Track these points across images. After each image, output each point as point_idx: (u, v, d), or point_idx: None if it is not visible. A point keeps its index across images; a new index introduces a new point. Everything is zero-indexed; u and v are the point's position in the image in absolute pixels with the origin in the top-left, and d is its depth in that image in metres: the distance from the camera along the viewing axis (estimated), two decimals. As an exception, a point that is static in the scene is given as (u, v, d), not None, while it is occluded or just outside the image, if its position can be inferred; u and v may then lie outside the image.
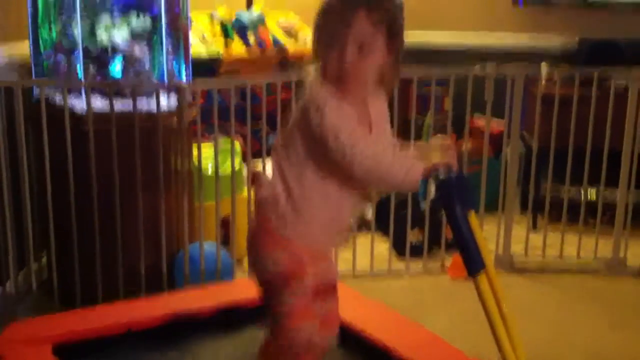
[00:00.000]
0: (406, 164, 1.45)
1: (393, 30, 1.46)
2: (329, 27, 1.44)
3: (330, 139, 1.42)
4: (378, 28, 1.43)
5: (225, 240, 2.94)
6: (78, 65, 2.70)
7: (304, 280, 1.55)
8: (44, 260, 2.86)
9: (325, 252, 1.66)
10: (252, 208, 1.68)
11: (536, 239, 3.25)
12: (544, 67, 3.44)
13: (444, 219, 3.13)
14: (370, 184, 1.55)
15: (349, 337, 2.03)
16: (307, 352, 1.61)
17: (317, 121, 1.43)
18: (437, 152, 1.52)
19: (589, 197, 3.28)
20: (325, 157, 1.47)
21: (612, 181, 3.20)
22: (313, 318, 1.58)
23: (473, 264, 1.46)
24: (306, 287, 1.56)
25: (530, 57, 3.70)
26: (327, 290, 1.66)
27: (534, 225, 3.46)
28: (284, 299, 1.55)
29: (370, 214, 3.25)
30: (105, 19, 2.69)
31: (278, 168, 1.54)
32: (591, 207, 3.28)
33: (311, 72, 1.52)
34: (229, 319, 2.18)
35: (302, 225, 1.53)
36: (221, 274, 2.75)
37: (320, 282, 1.62)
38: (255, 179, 3.07)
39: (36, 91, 2.73)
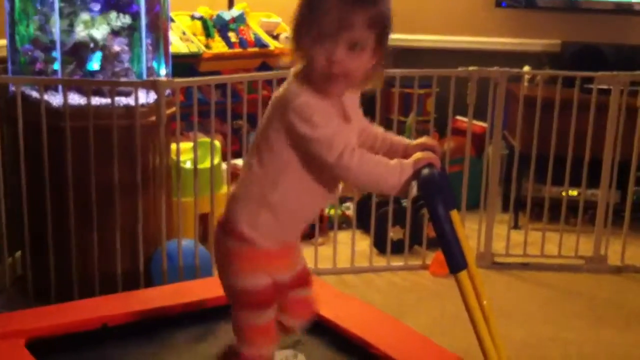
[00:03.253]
0: (397, 167, 1.45)
1: (384, 34, 1.43)
2: (320, 22, 1.38)
3: (323, 152, 1.40)
4: (372, 29, 1.39)
5: (204, 236, 2.92)
6: (56, 62, 2.68)
7: (268, 309, 1.55)
8: (18, 255, 2.83)
9: (295, 244, 1.64)
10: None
11: (518, 237, 3.27)
12: (527, 70, 3.46)
13: (426, 217, 3.13)
14: (363, 189, 1.52)
15: (330, 334, 2.01)
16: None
17: (307, 132, 1.40)
18: (420, 150, 1.52)
19: (569, 195, 3.29)
20: (307, 163, 1.46)
21: (593, 182, 3.21)
22: (269, 335, 1.58)
23: (455, 262, 1.45)
24: (267, 315, 1.56)
25: (514, 59, 3.73)
26: (301, 277, 1.65)
27: (516, 224, 3.47)
28: (242, 316, 1.56)
29: (351, 210, 3.24)
30: (84, 16, 2.67)
31: (250, 173, 1.51)
32: (572, 206, 3.29)
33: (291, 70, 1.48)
34: (205, 315, 2.15)
35: (278, 229, 1.52)
36: (200, 270, 2.73)
37: (286, 279, 1.61)
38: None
39: (12, 87, 2.70)
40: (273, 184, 1.48)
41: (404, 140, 1.61)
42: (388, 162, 1.45)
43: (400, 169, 1.44)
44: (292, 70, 1.47)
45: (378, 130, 1.63)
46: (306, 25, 1.40)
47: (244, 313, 1.55)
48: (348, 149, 1.41)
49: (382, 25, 1.41)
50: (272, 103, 1.49)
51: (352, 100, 1.54)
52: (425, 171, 1.44)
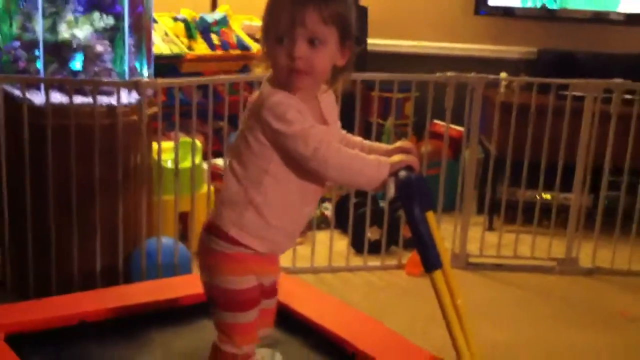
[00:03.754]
0: (375, 161, 1.47)
1: (345, 32, 1.47)
2: (277, 23, 1.44)
3: (300, 146, 1.43)
4: (329, 26, 1.44)
5: (184, 235, 2.95)
6: (38, 61, 2.70)
7: (251, 311, 1.57)
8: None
9: (280, 253, 1.67)
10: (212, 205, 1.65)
11: (492, 239, 3.32)
12: (504, 76, 3.53)
13: (403, 218, 3.18)
14: (341, 183, 1.56)
15: (307, 332, 2.04)
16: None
17: (281, 129, 1.43)
18: (398, 153, 1.54)
19: (543, 199, 3.36)
20: (289, 161, 1.48)
21: (566, 186, 3.28)
22: (251, 333, 1.60)
23: (430, 262, 1.48)
24: (251, 315, 1.58)
25: (491, 66, 3.79)
26: (273, 288, 1.69)
27: (490, 226, 3.53)
28: (227, 316, 1.57)
29: (330, 211, 3.29)
30: (67, 15, 2.69)
31: (233, 175, 1.53)
32: (546, 209, 3.36)
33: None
34: (183, 312, 2.18)
35: (265, 229, 1.53)
36: (179, 268, 2.75)
37: (267, 284, 1.65)
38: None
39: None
40: (256, 184, 1.50)
41: (382, 145, 1.64)
42: (365, 156, 1.48)
43: (378, 164, 1.47)
44: (265, 77, 1.52)
45: (356, 138, 1.66)
46: (268, 29, 1.47)
47: (229, 313, 1.57)
48: (324, 142, 1.43)
49: (340, 22, 1.45)
50: (248, 106, 1.53)
51: (330, 107, 1.57)
52: (402, 173, 1.47)
